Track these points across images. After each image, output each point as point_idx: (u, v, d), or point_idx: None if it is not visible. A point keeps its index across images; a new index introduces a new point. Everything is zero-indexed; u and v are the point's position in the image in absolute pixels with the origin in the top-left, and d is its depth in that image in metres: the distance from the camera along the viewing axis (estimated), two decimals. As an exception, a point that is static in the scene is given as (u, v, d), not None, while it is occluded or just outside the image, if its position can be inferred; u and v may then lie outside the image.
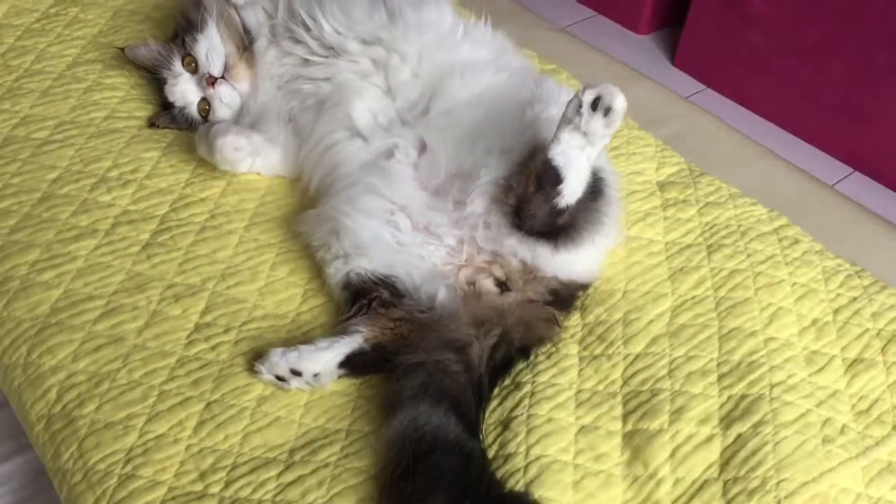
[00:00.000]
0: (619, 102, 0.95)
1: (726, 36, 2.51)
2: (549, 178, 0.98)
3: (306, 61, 1.23)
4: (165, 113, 1.28)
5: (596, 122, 0.95)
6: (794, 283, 1.12)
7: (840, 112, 2.35)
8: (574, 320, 1.08)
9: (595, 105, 0.95)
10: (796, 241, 1.19)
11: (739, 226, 1.20)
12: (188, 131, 1.27)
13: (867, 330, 1.07)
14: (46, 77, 1.31)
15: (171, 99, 1.25)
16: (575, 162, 0.98)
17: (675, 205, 1.24)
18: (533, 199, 1.00)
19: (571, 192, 0.99)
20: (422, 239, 1.10)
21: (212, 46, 1.23)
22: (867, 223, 1.50)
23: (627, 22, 2.84)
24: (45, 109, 1.26)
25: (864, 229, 1.48)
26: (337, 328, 1.03)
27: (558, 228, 1.03)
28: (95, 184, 1.16)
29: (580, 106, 0.96)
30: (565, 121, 0.97)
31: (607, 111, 0.95)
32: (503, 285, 1.08)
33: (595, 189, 1.03)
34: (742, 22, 2.45)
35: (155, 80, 1.29)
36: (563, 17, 2.88)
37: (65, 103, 1.27)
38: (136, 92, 1.32)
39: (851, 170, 2.40)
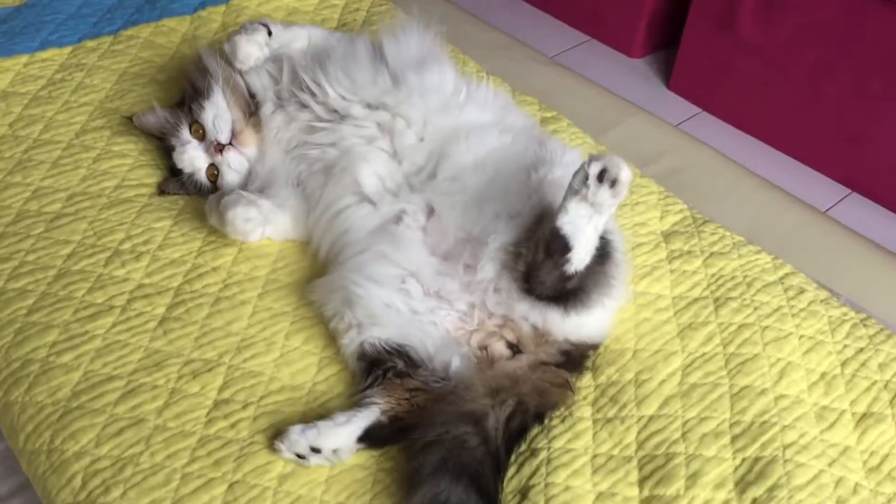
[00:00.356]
0: (625, 174, 0.97)
1: (720, 61, 2.54)
2: (558, 246, 1.00)
3: (312, 127, 1.24)
4: (174, 179, 1.29)
5: (603, 194, 0.97)
6: (802, 336, 1.14)
7: (836, 135, 2.37)
8: (586, 381, 1.10)
9: (601, 177, 0.97)
10: (802, 291, 1.21)
11: (745, 276, 1.22)
12: (197, 196, 1.29)
13: (875, 382, 1.09)
14: (56, 147, 1.32)
15: (179, 166, 1.27)
16: (583, 231, 1.00)
17: (681, 256, 1.25)
18: (542, 266, 1.02)
19: (580, 259, 1.01)
20: (433, 304, 1.11)
21: (218, 113, 1.24)
22: (866, 253, 1.52)
23: (621, 46, 2.87)
24: (56, 181, 1.27)
25: (864, 259, 1.50)
26: (353, 399, 1.05)
27: (568, 293, 1.04)
28: (109, 258, 1.17)
29: (587, 178, 0.98)
30: (572, 191, 0.99)
31: (613, 182, 0.97)
32: (515, 348, 1.10)
33: (603, 252, 1.05)
34: (735, 47, 2.47)
35: (162, 147, 1.31)
36: (556, 44, 2.90)
37: (75, 174, 1.29)
38: (144, 158, 1.34)
39: (849, 191, 2.42)
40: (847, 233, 1.60)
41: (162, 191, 1.30)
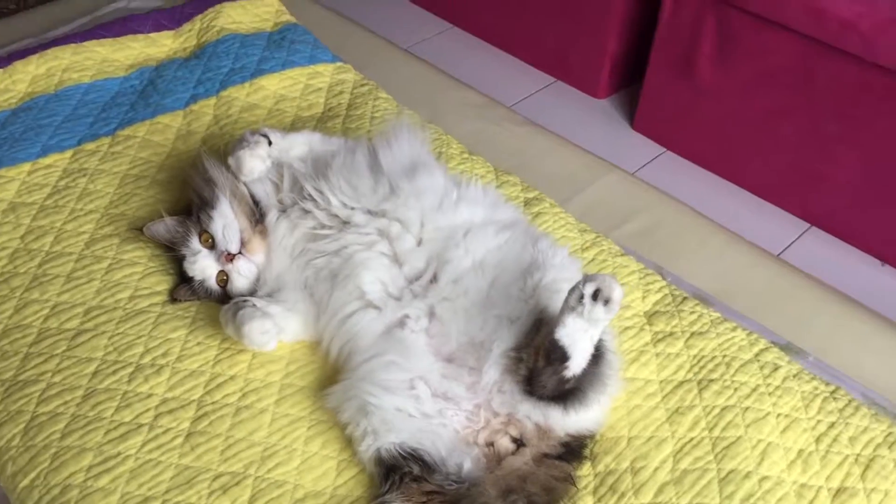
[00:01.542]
0: (617, 293, 1.07)
1: (681, 103, 2.65)
2: (557, 355, 1.10)
3: (316, 234, 1.32)
4: (185, 286, 1.36)
5: (597, 311, 1.07)
6: (779, 415, 1.24)
7: (794, 173, 2.50)
8: (586, 470, 1.19)
9: (595, 296, 1.07)
10: (776, 368, 1.31)
11: (724, 356, 1.33)
12: (207, 300, 1.36)
13: (847, 457, 1.20)
14: (68, 259, 1.39)
15: (190, 274, 1.34)
16: (579, 342, 1.09)
17: (664, 339, 1.35)
18: (543, 372, 1.11)
19: (577, 365, 1.11)
20: (442, 406, 1.20)
21: (227, 223, 1.32)
22: (830, 303, 1.64)
23: (586, 87, 2.97)
24: (73, 295, 1.34)
25: (828, 310, 1.62)
26: (374, 504, 1.13)
27: (566, 393, 1.14)
28: (132, 373, 1.24)
29: (582, 297, 1.07)
30: (569, 308, 1.08)
31: (607, 301, 1.06)
32: (519, 442, 1.19)
33: (597, 355, 1.15)
34: (694, 91, 2.59)
35: (172, 254, 1.37)
36: (524, 88, 3.00)
37: (90, 287, 1.35)
38: (153, 264, 1.40)
39: (808, 225, 2.55)
40: (809, 281, 1.72)
41: (174, 298, 1.36)
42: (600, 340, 1.15)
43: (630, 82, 2.95)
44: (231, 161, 1.36)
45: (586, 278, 1.08)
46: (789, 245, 2.50)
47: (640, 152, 2.77)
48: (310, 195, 1.33)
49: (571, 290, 1.09)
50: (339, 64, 1.89)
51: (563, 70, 2.99)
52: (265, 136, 1.39)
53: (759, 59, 2.39)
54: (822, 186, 2.45)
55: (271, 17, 1.98)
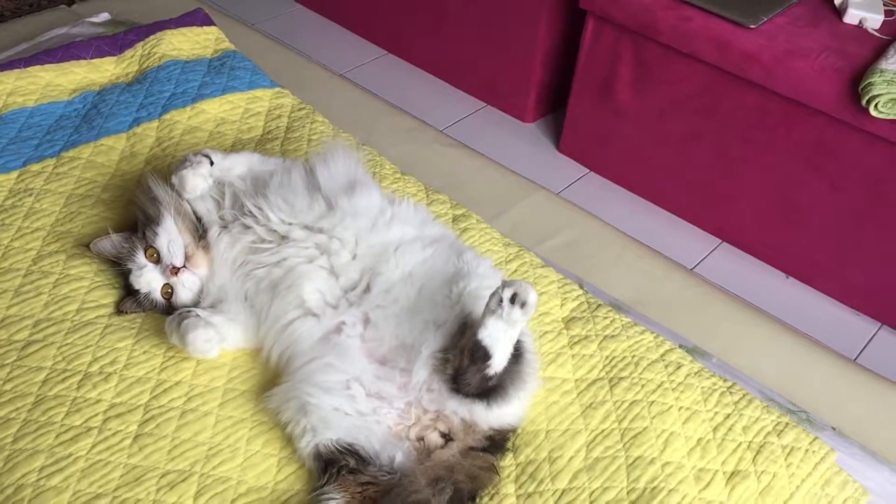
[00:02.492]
0: (532, 297, 1.19)
1: (602, 126, 2.82)
2: (480, 354, 1.21)
3: (256, 247, 1.41)
4: (131, 298, 1.44)
5: (515, 313, 1.19)
6: (681, 408, 1.37)
7: (705, 192, 2.67)
8: (508, 461, 1.30)
9: (513, 299, 1.18)
10: (679, 366, 1.45)
11: (633, 356, 1.45)
12: (152, 312, 1.44)
13: (740, 444, 1.34)
14: (16, 274, 1.45)
15: (136, 287, 1.42)
16: (500, 342, 1.21)
17: (580, 342, 1.48)
18: (468, 370, 1.22)
19: (498, 363, 1.22)
20: (375, 405, 1.30)
21: (172, 238, 1.40)
22: (735, 310, 1.80)
23: (514, 112, 3.12)
24: (21, 309, 1.40)
25: (733, 317, 1.78)
26: (312, 497, 1.22)
27: (489, 390, 1.25)
28: (81, 381, 1.31)
29: (501, 300, 1.19)
30: (489, 311, 1.20)
31: (523, 304, 1.18)
32: (447, 437, 1.30)
33: (517, 354, 1.26)
34: (614, 114, 2.76)
35: (118, 269, 1.45)
36: (456, 112, 3.13)
37: (38, 300, 1.41)
38: (99, 279, 1.47)
39: (720, 241, 2.73)
40: (718, 292, 1.88)
41: (120, 311, 1.44)
42: (520, 341, 1.27)
43: (556, 107, 3.12)
44: (174, 180, 1.44)
45: (504, 283, 1.20)
46: (702, 259, 2.67)
47: (565, 173, 2.93)
48: (250, 212, 1.42)
49: (492, 295, 1.20)
50: (277, 89, 1.98)
51: (493, 95, 3.14)
52: (207, 156, 1.48)
53: (672, 87, 2.57)
54: (731, 205, 2.63)
55: (211, 44, 2.07)
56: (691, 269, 2.53)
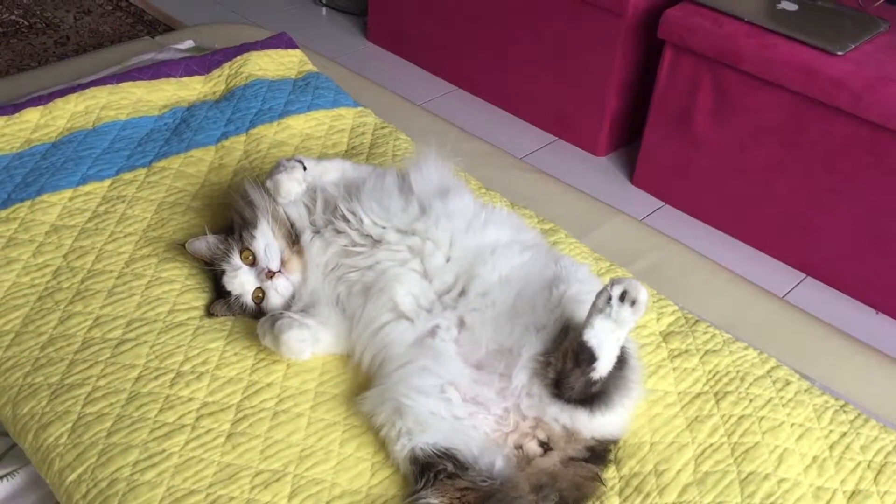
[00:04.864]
0: (643, 295, 1.14)
1: (678, 157, 2.77)
2: (585, 357, 1.16)
3: (349, 251, 1.39)
4: (221, 301, 1.42)
5: (624, 312, 1.14)
6: (793, 424, 1.30)
7: (788, 224, 2.60)
8: (611, 473, 1.24)
9: (623, 297, 1.14)
10: (787, 383, 1.38)
11: (738, 371, 1.39)
12: (241, 316, 1.42)
13: (859, 463, 1.26)
14: (109, 276, 1.45)
15: (228, 288, 1.40)
16: (607, 343, 1.16)
17: (680, 355, 1.42)
18: (571, 374, 1.17)
19: (604, 367, 1.17)
20: (472, 410, 1.25)
21: (269, 242, 1.39)
22: (828, 338, 1.72)
23: (586, 145, 3.09)
24: (114, 309, 1.39)
25: (828, 343, 1.70)
26: (408, 502, 1.17)
27: (593, 396, 1.20)
28: (174, 379, 1.29)
29: (610, 298, 1.14)
30: (597, 310, 1.15)
31: (633, 302, 1.14)
32: (546, 446, 1.24)
33: (621, 359, 1.21)
34: (692, 145, 2.71)
35: (211, 270, 1.44)
36: (526, 145, 3.12)
37: (131, 301, 1.41)
38: (190, 282, 1.46)
39: (804, 275, 2.64)
40: (810, 319, 1.80)
41: (210, 313, 1.42)
42: (624, 347, 1.22)
43: (629, 140, 3.08)
44: (269, 184, 1.44)
45: (613, 281, 1.15)
46: (785, 294, 2.58)
47: (640, 206, 2.88)
48: (343, 215, 1.41)
49: (599, 293, 1.16)
50: (360, 108, 1.99)
51: (564, 129, 3.12)
52: (300, 161, 1.47)
53: (754, 115, 2.52)
54: (817, 237, 2.55)
55: (295, 66, 2.09)
56: (783, 297, 2.44)
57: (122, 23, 3.47)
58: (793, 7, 2.53)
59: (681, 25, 2.54)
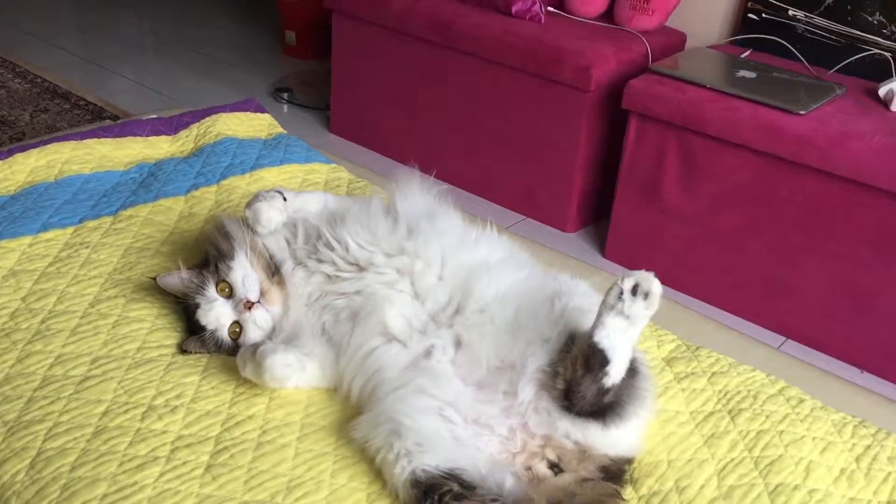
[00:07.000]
0: (656, 287, 1.08)
1: (649, 227, 2.75)
2: (597, 360, 1.08)
3: (334, 278, 1.31)
4: (195, 337, 1.32)
5: (637, 306, 1.07)
6: (814, 438, 1.22)
7: (764, 287, 2.57)
8: (629, 493, 1.14)
9: (635, 291, 1.07)
10: (801, 401, 1.31)
11: (749, 390, 1.32)
12: (216, 353, 1.32)
13: (889, 473, 1.18)
14: (72, 316, 1.34)
15: (203, 322, 1.30)
16: (619, 343, 1.08)
17: (687, 377, 1.34)
18: (582, 381, 1.09)
19: (617, 371, 1.09)
20: (475, 431, 1.15)
21: (247, 273, 1.30)
22: (833, 382, 1.67)
23: (555, 223, 3.07)
24: (78, 347, 1.28)
25: (832, 385, 1.64)
26: (413, 528, 1.05)
27: (605, 407, 1.11)
28: (145, 412, 1.17)
29: (621, 293, 1.08)
30: (607, 307, 1.08)
31: (646, 295, 1.07)
32: (556, 468, 1.14)
33: (632, 368, 1.13)
34: (662, 214, 2.70)
35: (183, 306, 1.34)
36: (495, 223, 3.08)
37: (96, 339, 1.30)
38: (160, 322, 1.36)
39: (784, 338, 2.59)
40: (806, 366, 1.76)
41: (184, 350, 1.31)
42: (634, 356, 1.14)
43: (598, 215, 3.07)
44: (248, 213, 1.36)
45: (624, 275, 1.09)
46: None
47: (612, 278, 2.84)
48: (327, 243, 1.33)
49: (609, 289, 1.09)
50: (333, 165, 1.95)
51: (532, 207, 3.10)
52: (279, 192, 1.40)
53: (723, 179, 2.53)
54: (794, 298, 2.52)
55: (265, 128, 2.06)
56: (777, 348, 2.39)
57: (81, 119, 3.44)
58: (751, 75, 2.59)
59: (645, 94, 2.58)
